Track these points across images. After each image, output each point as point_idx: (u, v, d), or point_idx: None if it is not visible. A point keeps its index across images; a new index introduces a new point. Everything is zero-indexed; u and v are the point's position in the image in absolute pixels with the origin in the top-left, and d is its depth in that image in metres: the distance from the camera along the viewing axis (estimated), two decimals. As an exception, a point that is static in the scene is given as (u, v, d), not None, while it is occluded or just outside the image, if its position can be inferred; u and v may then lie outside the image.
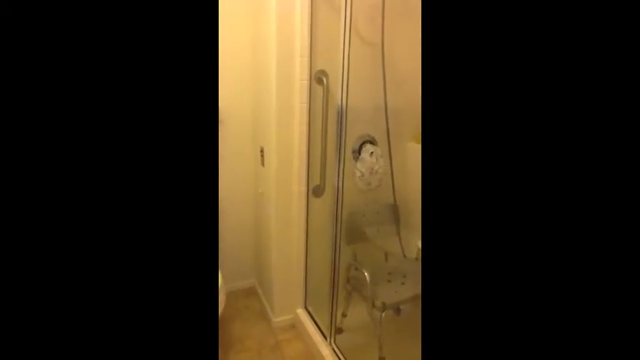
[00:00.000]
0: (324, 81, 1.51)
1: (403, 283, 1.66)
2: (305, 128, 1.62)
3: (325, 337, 1.68)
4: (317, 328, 1.76)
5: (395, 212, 1.86)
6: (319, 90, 1.55)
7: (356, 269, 1.68)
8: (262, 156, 1.84)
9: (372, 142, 1.74)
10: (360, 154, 1.71)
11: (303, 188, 1.71)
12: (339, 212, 1.53)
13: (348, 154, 1.71)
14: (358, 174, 1.69)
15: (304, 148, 1.65)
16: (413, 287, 1.62)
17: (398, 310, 1.63)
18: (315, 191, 1.68)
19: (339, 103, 1.43)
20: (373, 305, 1.53)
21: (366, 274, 1.55)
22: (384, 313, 1.52)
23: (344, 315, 1.79)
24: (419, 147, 1.82)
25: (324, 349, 1.63)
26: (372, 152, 1.68)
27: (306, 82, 1.57)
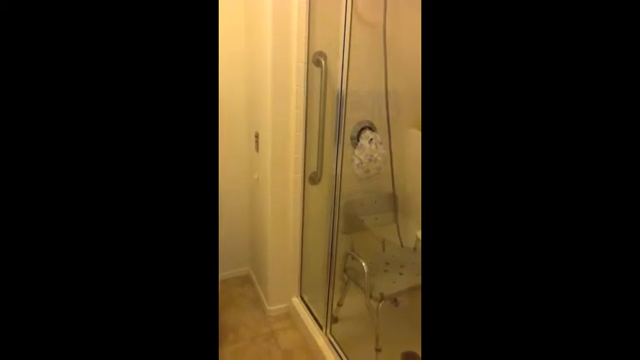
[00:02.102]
0: (323, 63, 1.44)
1: (401, 274, 1.62)
2: (302, 113, 1.56)
3: (321, 327, 1.65)
4: (312, 318, 1.73)
5: (393, 201, 1.82)
6: (317, 73, 1.48)
7: (353, 259, 1.64)
8: (257, 141, 1.77)
9: (372, 128, 1.69)
10: (358, 140, 1.66)
11: (299, 175, 1.65)
12: (336, 200, 1.49)
13: (347, 140, 1.65)
14: (356, 161, 1.64)
15: (301, 134, 1.59)
16: (410, 278, 1.59)
17: (395, 301, 1.61)
18: (312, 178, 1.62)
19: (338, 87, 1.36)
20: (370, 296, 1.49)
21: (363, 264, 1.51)
22: (381, 304, 1.49)
23: (339, 304, 1.76)
24: (420, 134, 1.77)
25: (320, 339, 1.61)
26: (371, 139, 1.62)
27: (303, 65, 1.49)
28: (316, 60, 1.47)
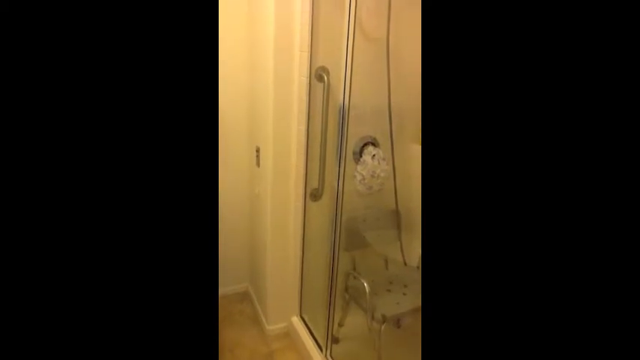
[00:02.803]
0: (325, 78, 1.42)
1: (404, 294, 1.57)
2: (303, 128, 1.53)
3: (321, 348, 1.59)
4: (312, 338, 1.67)
5: (397, 218, 1.78)
6: (319, 88, 1.46)
7: (354, 278, 1.59)
8: (258, 156, 1.75)
9: (374, 143, 1.66)
10: (361, 156, 1.63)
11: (301, 191, 1.62)
12: (337, 217, 1.45)
13: (349, 155, 1.62)
14: (359, 177, 1.61)
15: (302, 149, 1.56)
16: (414, 298, 1.54)
17: (398, 323, 1.55)
18: (313, 194, 1.59)
19: (341, 102, 1.34)
20: (372, 317, 1.44)
21: (365, 284, 1.46)
22: (383, 326, 1.43)
23: (340, 324, 1.71)
24: (423, 150, 1.73)
25: (320, 361, 1.55)
26: (374, 155, 1.59)
27: (305, 79, 1.47)
28: (318, 75, 1.45)
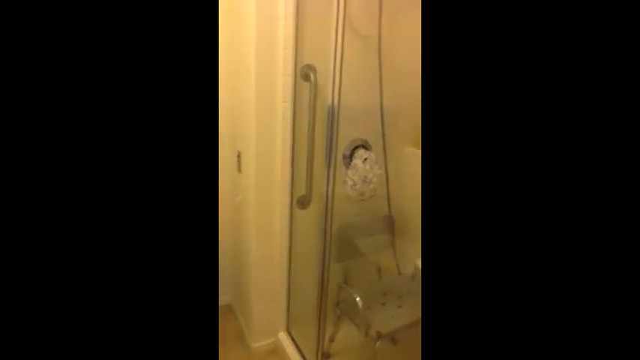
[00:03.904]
0: (312, 77, 1.31)
1: (400, 307, 1.47)
2: (289, 130, 1.42)
3: (310, 367, 1.49)
4: (301, 356, 1.56)
5: (390, 224, 1.69)
6: (305, 87, 1.35)
7: (346, 291, 1.49)
8: (239, 161, 1.62)
9: (366, 146, 1.56)
10: (351, 159, 1.52)
11: (287, 198, 1.51)
12: (327, 226, 1.34)
13: (339, 159, 1.52)
14: (350, 183, 1.50)
15: (288, 153, 1.45)
16: (410, 311, 1.44)
17: (394, 339, 1.45)
18: (301, 202, 1.48)
19: (329, 102, 1.23)
20: (366, 334, 1.34)
21: (357, 299, 1.36)
22: (378, 343, 1.33)
23: (332, 340, 1.60)
24: (418, 152, 1.65)
25: (310, 382, 1.44)
26: (365, 158, 1.49)
27: (290, 78, 1.36)
28: (304, 74, 1.34)
